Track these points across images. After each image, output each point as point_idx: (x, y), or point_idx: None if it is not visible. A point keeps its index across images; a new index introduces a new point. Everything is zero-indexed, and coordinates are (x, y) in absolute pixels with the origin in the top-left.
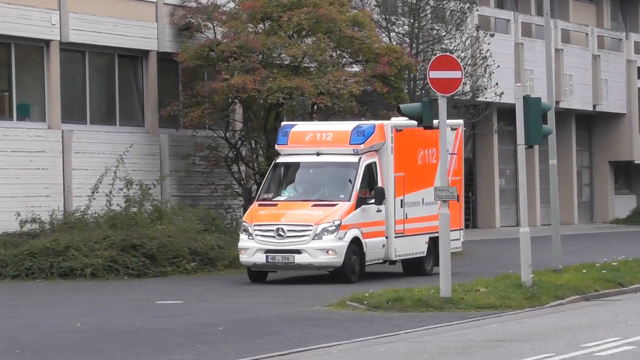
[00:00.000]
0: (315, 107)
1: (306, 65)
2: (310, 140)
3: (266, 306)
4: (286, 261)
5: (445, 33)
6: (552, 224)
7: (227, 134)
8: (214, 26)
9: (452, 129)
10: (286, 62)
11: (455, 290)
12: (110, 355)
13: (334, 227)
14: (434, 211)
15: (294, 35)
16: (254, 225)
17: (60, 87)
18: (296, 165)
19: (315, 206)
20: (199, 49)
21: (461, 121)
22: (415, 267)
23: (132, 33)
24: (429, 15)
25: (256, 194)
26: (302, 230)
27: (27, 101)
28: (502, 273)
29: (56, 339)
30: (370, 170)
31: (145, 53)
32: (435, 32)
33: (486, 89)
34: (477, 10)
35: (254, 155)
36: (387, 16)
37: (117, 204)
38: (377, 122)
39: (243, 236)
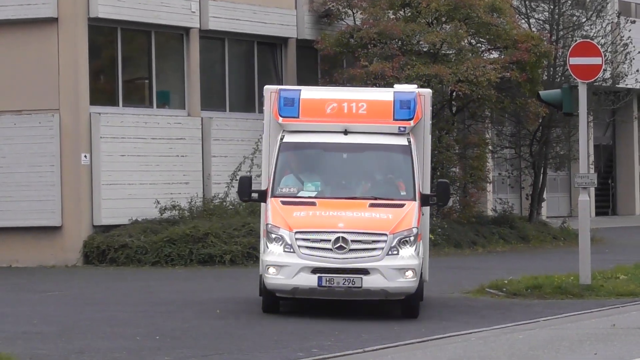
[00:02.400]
0: (454, 94)
1: (445, 52)
2: (335, 113)
3: None
4: (350, 285)
5: (585, 19)
6: None
7: None
8: (353, 13)
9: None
10: (425, 49)
11: (595, 277)
12: (250, 342)
13: (413, 238)
14: None
15: (433, 22)
16: (296, 233)
17: (200, 75)
18: (319, 148)
19: (374, 206)
20: (339, 35)
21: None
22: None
23: (271, 20)
24: (570, 1)
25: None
26: (373, 241)
27: (167, 88)
28: None
29: (196, 326)
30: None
31: (285, 40)
32: (575, 18)
33: (626, 75)
34: None
35: None
36: (527, 2)
37: None
38: (414, 90)
39: (275, 247)
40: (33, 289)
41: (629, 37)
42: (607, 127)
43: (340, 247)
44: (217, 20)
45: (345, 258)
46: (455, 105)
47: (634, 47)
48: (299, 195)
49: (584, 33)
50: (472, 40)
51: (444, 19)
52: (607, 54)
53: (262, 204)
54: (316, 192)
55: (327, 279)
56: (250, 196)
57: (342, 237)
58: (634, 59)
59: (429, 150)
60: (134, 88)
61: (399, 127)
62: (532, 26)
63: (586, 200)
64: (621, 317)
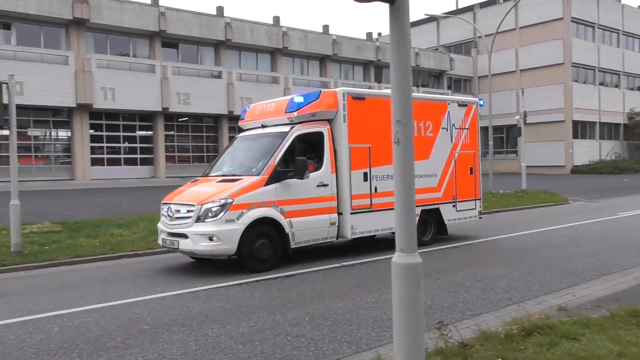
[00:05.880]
0: None
1: None
2: (259, 113)
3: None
4: (173, 247)
5: None
6: None
7: None
8: None
9: (459, 105)
10: None
11: None
12: None
13: (217, 208)
14: (432, 183)
15: None
16: (162, 204)
17: None
18: (241, 139)
19: (222, 182)
20: None
21: (476, 99)
22: None
23: None
24: None
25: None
26: (187, 211)
27: None
28: None
29: None
30: (308, 141)
31: None
32: None
33: None
34: None
35: None
36: None
37: None
38: (326, 90)
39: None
40: None
41: None
42: None
43: (169, 216)
44: None
45: (172, 224)
46: None
47: None
48: (207, 174)
49: None
50: None
51: None
52: None
53: None
54: (217, 173)
55: (164, 240)
56: None
57: (169, 208)
58: None
59: (345, 137)
60: None
61: (288, 117)
62: None
63: None
64: None
